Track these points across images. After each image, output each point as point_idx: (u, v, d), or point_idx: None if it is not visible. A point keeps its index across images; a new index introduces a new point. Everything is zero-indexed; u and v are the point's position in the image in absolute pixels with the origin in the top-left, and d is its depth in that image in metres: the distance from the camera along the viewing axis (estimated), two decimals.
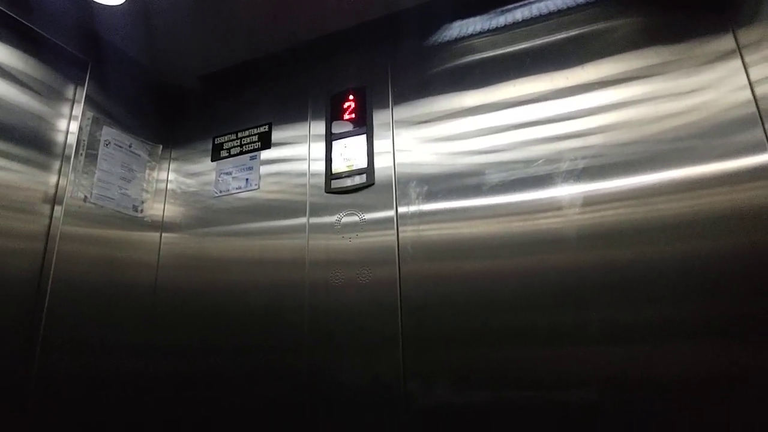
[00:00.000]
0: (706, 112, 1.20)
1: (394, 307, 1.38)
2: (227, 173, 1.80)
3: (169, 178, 1.92)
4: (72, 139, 1.57)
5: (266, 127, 1.79)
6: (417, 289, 1.38)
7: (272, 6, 1.55)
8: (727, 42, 1.23)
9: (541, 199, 1.31)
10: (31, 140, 1.47)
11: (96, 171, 1.62)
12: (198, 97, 2.00)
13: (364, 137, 1.59)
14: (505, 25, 1.50)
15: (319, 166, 1.63)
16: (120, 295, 1.64)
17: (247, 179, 1.75)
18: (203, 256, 1.73)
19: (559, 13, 1.44)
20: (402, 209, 1.47)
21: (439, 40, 1.59)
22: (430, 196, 1.44)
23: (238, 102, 1.90)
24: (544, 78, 1.40)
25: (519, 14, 1.49)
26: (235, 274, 1.65)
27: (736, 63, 1.20)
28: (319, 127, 1.68)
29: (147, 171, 1.83)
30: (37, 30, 1.49)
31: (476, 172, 1.41)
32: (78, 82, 1.63)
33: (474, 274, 1.32)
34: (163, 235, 1.84)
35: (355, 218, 1.52)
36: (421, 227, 1.43)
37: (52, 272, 1.43)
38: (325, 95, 1.71)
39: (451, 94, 1.51)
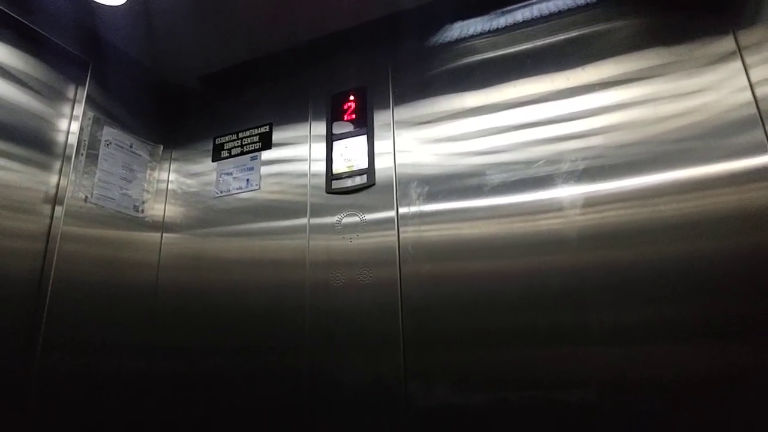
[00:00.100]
0: (707, 114, 1.20)
1: (394, 308, 1.38)
2: (228, 173, 1.80)
3: (170, 179, 1.92)
4: (73, 139, 1.57)
5: (267, 127, 1.79)
6: (418, 290, 1.38)
7: (272, 6, 1.55)
8: (727, 43, 1.23)
9: (541, 200, 1.31)
10: (32, 140, 1.47)
11: (97, 171, 1.62)
12: (199, 98, 2.00)
13: (364, 138, 1.59)
14: (506, 26, 1.50)
15: (320, 167, 1.63)
16: (121, 296, 1.64)
17: (247, 180, 1.75)
18: (204, 256, 1.73)
19: (560, 14, 1.44)
20: (403, 210, 1.47)
21: (440, 41, 1.59)
22: (431, 197, 1.44)
23: (238, 102, 1.90)
24: (544, 79, 1.40)
25: (520, 15, 1.49)
26: (236, 275, 1.65)
27: (737, 64, 1.20)
28: (319, 128, 1.69)
29: (148, 171, 1.83)
30: (38, 30, 1.49)
31: (477, 172, 1.41)
32: (79, 82, 1.63)
33: (475, 274, 1.32)
34: (163, 235, 1.84)
35: (356, 219, 1.52)
36: (422, 228, 1.43)
37: (52, 272, 1.43)
38: (326, 96, 1.71)
39: (451, 95, 1.52)
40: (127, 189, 1.73)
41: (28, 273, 1.41)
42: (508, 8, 1.51)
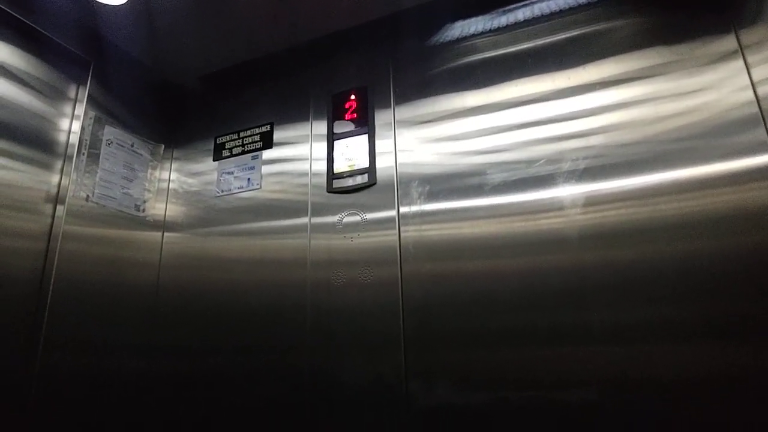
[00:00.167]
0: (708, 113, 1.20)
1: (395, 308, 1.38)
2: (229, 173, 1.80)
3: (171, 178, 1.92)
4: (74, 139, 1.57)
5: (268, 126, 1.79)
6: (419, 289, 1.38)
7: (273, 6, 1.55)
8: (729, 42, 1.22)
9: (542, 200, 1.31)
10: (34, 140, 1.48)
11: (98, 170, 1.62)
12: (200, 97, 2.01)
13: (365, 137, 1.59)
14: (507, 25, 1.50)
15: (321, 166, 1.63)
16: (122, 295, 1.65)
17: (248, 179, 1.75)
18: (205, 255, 1.74)
19: (561, 13, 1.44)
20: (404, 209, 1.47)
21: (441, 40, 1.59)
22: (432, 196, 1.44)
23: (239, 102, 1.90)
24: (545, 78, 1.40)
25: (521, 14, 1.49)
26: (237, 274, 1.65)
27: (738, 63, 1.20)
28: (320, 127, 1.69)
29: (149, 170, 1.83)
30: (40, 30, 1.49)
31: (478, 172, 1.41)
32: (80, 82, 1.64)
33: (476, 274, 1.32)
34: (165, 234, 1.84)
35: (357, 218, 1.52)
36: (423, 227, 1.43)
37: (54, 271, 1.43)
38: (327, 95, 1.71)
39: (452, 94, 1.51)
40: (129, 188, 1.73)
41: (29, 272, 1.41)
42: (509, 7, 1.51)
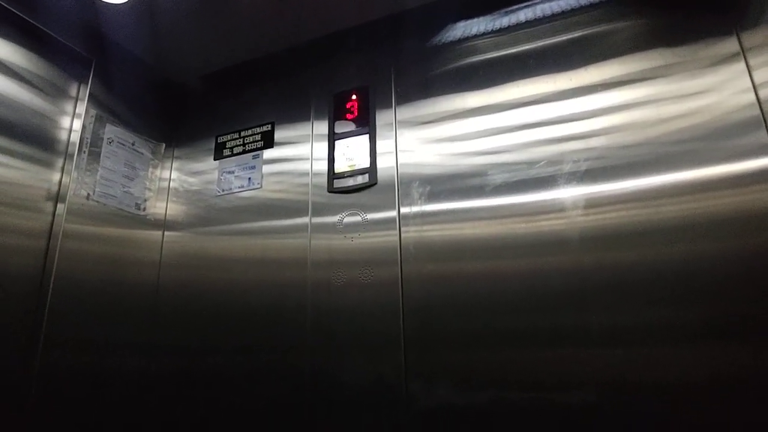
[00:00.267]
0: (710, 115, 1.20)
1: (396, 308, 1.38)
2: (230, 172, 1.80)
3: (172, 177, 1.92)
4: (75, 137, 1.57)
5: (269, 126, 1.79)
6: (419, 290, 1.38)
7: (275, 5, 1.55)
8: (731, 45, 1.22)
9: (543, 201, 1.31)
10: (35, 138, 1.48)
11: (99, 169, 1.62)
12: (201, 96, 2.01)
13: (366, 137, 1.59)
14: (509, 26, 1.50)
15: (322, 166, 1.63)
16: (122, 294, 1.65)
17: (249, 178, 1.75)
18: (205, 255, 1.73)
19: (563, 14, 1.44)
20: (404, 209, 1.47)
21: (443, 41, 1.59)
22: (433, 197, 1.44)
23: (240, 101, 1.90)
24: (547, 79, 1.40)
25: (522, 15, 1.49)
26: (237, 274, 1.65)
27: (740, 66, 1.20)
28: (321, 127, 1.69)
29: (150, 169, 1.83)
30: (41, 28, 1.49)
31: (479, 173, 1.41)
32: (81, 80, 1.64)
33: (476, 275, 1.32)
34: (165, 233, 1.84)
35: (358, 218, 1.52)
36: (424, 228, 1.43)
37: (54, 270, 1.43)
38: (328, 95, 1.71)
39: (454, 95, 1.51)
40: (129, 187, 1.73)
41: (29, 270, 1.41)
42: (511, 8, 1.51)
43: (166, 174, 1.91)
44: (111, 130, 1.68)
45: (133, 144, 1.77)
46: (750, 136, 1.14)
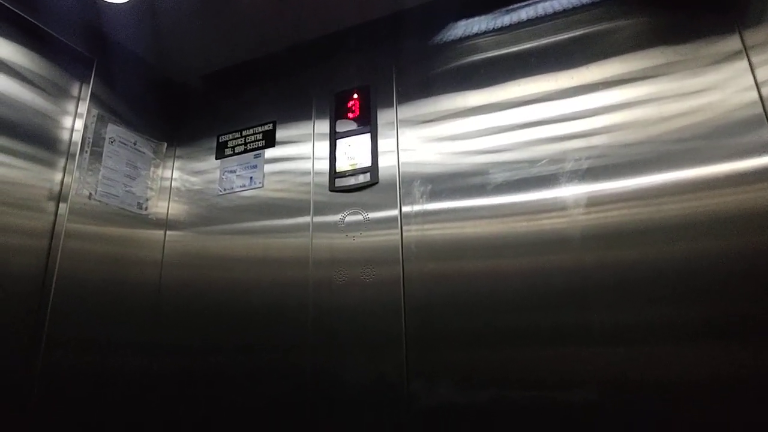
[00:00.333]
0: (712, 113, 1.19)
1: (397, 307, 1.38)
2: (231, 171, 1.80)
3: (174, 176, 1.92)
4: (77, 137, 1.57)
5: (270, 125, 1.79)
6: (421, 289, 1.38)
7: (276, 5, 1.55)
8: (733, 42, 1.22)
9: (545, 199, 1.31)
10: (37, 137, 1.48)
11: (101, 168, 1.63)
12: (203, 96, 2.01)
13: (368, 136, 1.59)
14: (510, 25, 1.50)
15: (323, 165, 1.63)
16: (124, 293, 1.65)
17: (251, 177, 1.75)
18: (207, 254, 1.74)
19: (564, 12, 1.44)
20: (406, 208, 1.47)
21: (444, 40, 1.59)
22: (434, 196, 1.44)
23: (242, 100, 1.90)
24: (548, 78, 1.40)
25: (524, 14, 1.49)
26: (239, 273, 1.65)
27: (743, 64, 1.20)
28: (323, 126, 1.69)
29: (152, 169, 1.84)
30: (43, 27, 1.50)
31: (480, 171, 1.40)
32: (83, 80, 1.64)
33: (477, 274, 1.32)
34: (167, 232, 1.84)
35: (359, 217, 1.52)
36: (425, 226, 1.43)
37: (56, 269, 1.44)
38: (329, 94, 1.71)
39: (455, 94, 1.51)
40: (131, 186, 1.74)
41: (32, 270, 1.42)
42: (513, 6, 1.51)
43: (167, 173, 1.91)
44: (113, 130, 1.69)
45: (134, 143, 1.77)
46: (752, 135, 1.14)
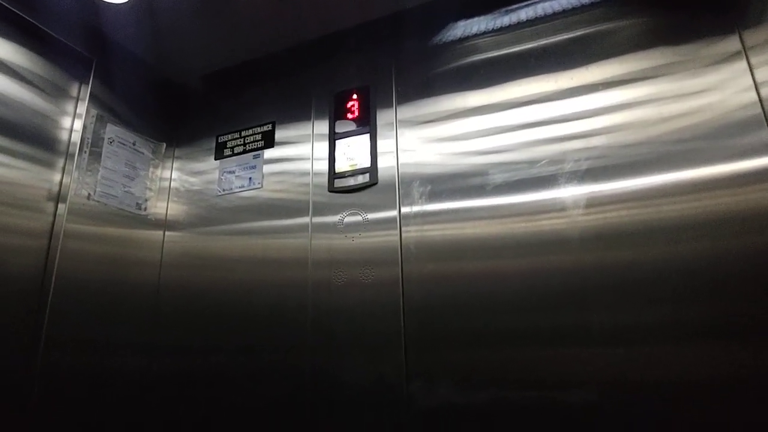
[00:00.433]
0: (711, 114, 1.19)
1: (396, 308, 1.38)
2: (230, 172, 1.80)
3: (173, 177, 1.92)
4: (76, 137, 1.57)
5: (270, 126, 1.79)
6: (420, 290, 1.38)
7: (275, 5, 1.55)
8: (732, 43, 1.22)
9: (544, 200, 1.31)
10: (36, 138, 1.48)
11: (100, 169, 1.62)
12: (202, 96, 2.01)
13: (367, 137, 1.59)
14: (510, 25, 1.50)
15: (323, 166, 1.63)
16: (123, 294, 1.65)
17: (250, 178, 1.75)
18: (206, 254, 1.74)
19: (564, 13, 1.44)
20: (405, 209, 1.47)
21: (444, 40, 1.59)
22: (434, 196, 1.44)
23: (241, 101, 1.90)
24: (548, 78, 1.40)
25: (524, 14, 1.49)
26: (238, 273, 1.65)
27: (742, 64, 1.20)
28: (322, 127, 1.68)
29: (151, 169, 1.84)
30: (42, 27, 1.50)
31: (479, 172, 1.40)
32: (82, 80, 1.64)
33: (477, 274, 1.32)
34: (166, 233, 1.84)
35: (358, 218, 1.52)
36: (424, 227, 1.42)
37: (55, 270, 1.43)
38: (329, 94, 1.70)
39: (454, 94, 1.51)
40: (130, 187, 1.73)
41: (31, 270, 1.41)
42: (512, 7, 1.51)
43: (166, 174, 1.91)
44: (112, 130, 1.68)
45: (133, 144, 1.77)
46: (752, 135, 1.14)
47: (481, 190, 1.39)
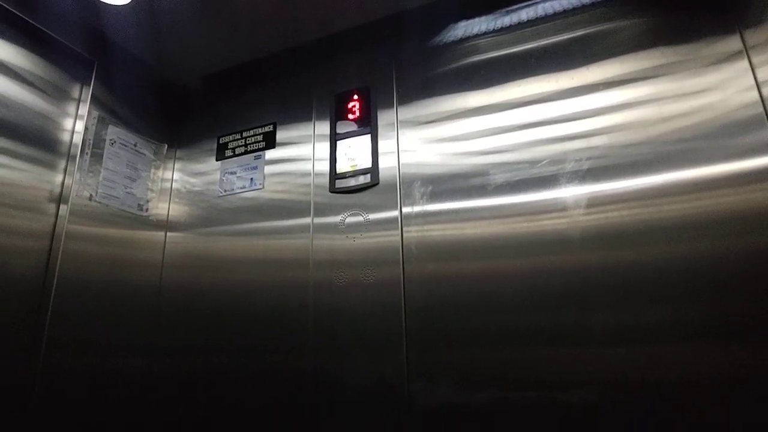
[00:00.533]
0: (713, 113, 1.19)
1: (398, 308, 1.38)
2: (232, 173, 1.80)
3: (174, 178, 1.92)
4: (78, 138, 1.57)
5: (271, 126, 1.79)
6: (421, 290, 1.38)
7: (276, 6, 1.55)
8: (733, 43, 1.22)
9: (545, 200, 1.31)
10: (37, 139, 1.48)
11: (101, 170, 1.63)
12: (203, 97, 2.01)
13: (368, 137, 1.59)
14: (510, 26, 1.50)
15: (324, 166, 1.63)
16: (125, 294, 1.65)
17: (251, 179, 1.75)
18: (208, 255, 1.74)
19: (565, 13, 1.44)
20: (406, 209, 1.47)
21: (444, 40, 1.59)
22: (435, 197, 1.44)
23: (242, 102, 1.90)
24: (549, 78, 1.40)
25: (524, 14, 1.49)
26: (240, 274, 1.65)
27: (743, 64, 1.19)
28: (323, 127, 1.69)
29: (152, 170, 1.84)
30: (44, 29, 1.50)
31: (480, 172, 1.40)
32: (84, 82, 1.64)
33: (478, 274, 1.32)
34: (167, 234, 1.84)
35: (360, 218, 1.52)
36: (426, 227, 1.43)
37: (57, 271, 1.44)
38: (330, 95, 1.71)
39: (455, 95, 1.51)
40: (132, 188, 1.74)
41: (32, 271, 1.42)
42: (513, 7, 1.51)
43: (168, 175, 1.92)
44: (113, 132, 1.69)
45: (135, 145, 1.77)
46: (753, 135, 1.14)
47: (482, 191, 1.39)
